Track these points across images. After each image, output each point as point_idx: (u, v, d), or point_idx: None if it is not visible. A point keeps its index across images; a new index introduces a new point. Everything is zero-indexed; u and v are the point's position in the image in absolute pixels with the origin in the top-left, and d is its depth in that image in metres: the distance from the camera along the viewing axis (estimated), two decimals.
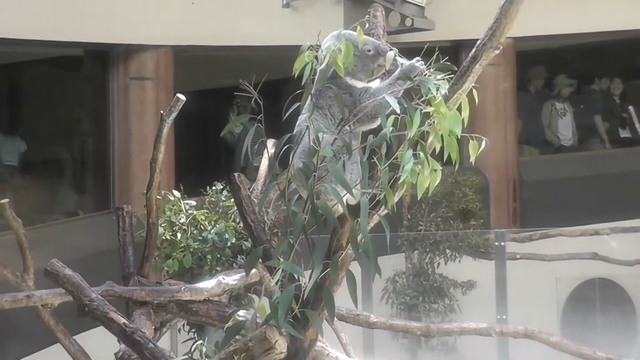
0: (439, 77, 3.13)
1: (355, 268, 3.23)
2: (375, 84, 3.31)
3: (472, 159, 3.10)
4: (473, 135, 3.11)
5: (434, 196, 9.58)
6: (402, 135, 3.07)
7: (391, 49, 3.34)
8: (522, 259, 9.94)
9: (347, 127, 3.18)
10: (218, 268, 5.11)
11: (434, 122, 3.05)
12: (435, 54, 3.20)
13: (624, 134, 12.61)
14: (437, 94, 3.07)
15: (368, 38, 3.34)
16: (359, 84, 3.26)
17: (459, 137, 3.08)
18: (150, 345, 3.37)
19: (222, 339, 3.36)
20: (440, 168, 3.08)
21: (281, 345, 3.16)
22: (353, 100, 3.21)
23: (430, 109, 3.05)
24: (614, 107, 12.94)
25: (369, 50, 3.27)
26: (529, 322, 6.77)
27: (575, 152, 12.58)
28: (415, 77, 3.16)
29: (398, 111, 3.04)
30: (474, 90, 3.13)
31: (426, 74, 3.16)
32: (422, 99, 3.09)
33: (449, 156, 3.07)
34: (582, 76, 12.93)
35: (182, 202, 5.29)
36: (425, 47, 3.22)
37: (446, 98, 3.08)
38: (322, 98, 3.23)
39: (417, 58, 3.24)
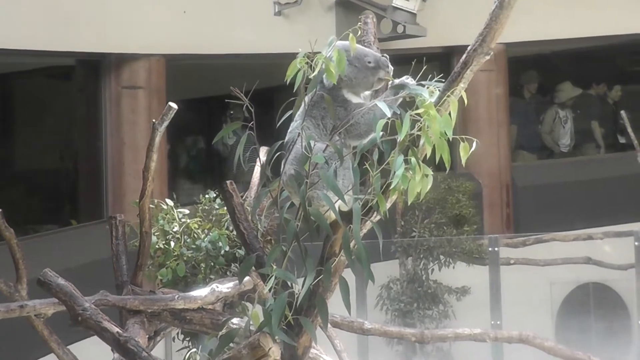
0: (430, 85, 3.14)
1: (349, 275, 3.24)
2: (368, 98, 3.32)
3: (464, 161, 3.10)
4: (464, 137, 3.11)
5: (427, 202, 9.61)
6: (393, 140, 3.07)
7: (383, 56, 3.34)
8: (516, 264, 9.95)
9: (337, 137, 3.18)
10: (212, 276, 5.11)
11: (424, 125, 3.05)
12: (424, 66, 3.21)
13: (622, 139, 12.62)
14: (430, 99, 3.07)
15: (369, 50, 3.33)
16: (355, 99, 3.26)
17: (450, 139, 3.08)
18: (144, 354, 3.36)
19: (216, 347, 3.36)
20: (432, 173, 3.08)
21: (275, 352, 3.16)
22: (346, 115, 3.21)
23: (419, 111, 3.05)
24: (609, 112, 12.96)
25: (370, 62, 3.27)
26: (523, 327, 6.76)
27: (568, 157, 12.61)
28: (406, 90, 3.16)
29: (389, 115, 3.04)
30: (463, 93, 3.13)
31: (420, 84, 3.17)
32: (416, 111, 3.08)
33: (441, 162, 3.07)
34: (575, 81, 12.95)
35: (175, 210, 5.29)
36: (419, 55, 3.22)
37: (437, 102, 3.09)
38: (315, 108, 3.23)
39: (406, 76, 3.24)
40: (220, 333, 3.43)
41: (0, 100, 11.27)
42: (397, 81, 3.24)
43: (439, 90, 3.11)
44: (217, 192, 5.35)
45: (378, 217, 3.16)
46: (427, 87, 3.13)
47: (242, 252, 5.10)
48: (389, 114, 3.05)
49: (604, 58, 12.92)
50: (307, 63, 3.15)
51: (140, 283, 4.78)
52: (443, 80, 3.16)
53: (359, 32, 3.33)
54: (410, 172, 3.03)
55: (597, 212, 11.03)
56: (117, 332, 3.42)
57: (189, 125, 11.39)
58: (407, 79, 3.22)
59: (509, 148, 11.51)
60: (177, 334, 5.22)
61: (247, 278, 4.48)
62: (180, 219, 5.28)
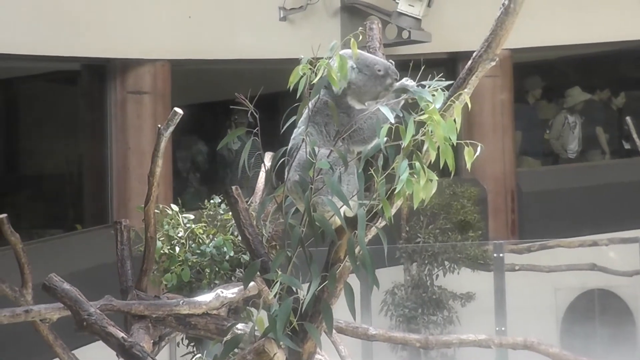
0: (432, 85, 3.14)
1: (354, 280, 3.23)
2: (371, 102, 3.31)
3: (468, 165, 3.10)
4: (468, 141, 3.11)
5: (432, 208, 9.60)
6: (397, 145, 3.07)
7: (389, 62, 3.34)
8: (521, 270, 9.93)
9: (340, 143, 3.18)
10: (216, 281, 5.10)
11: (428, 130, 3.04)
12: (422, 67, 3.21)
13: (627, 145, 12.60)
14: (433, 103, 3.07)
15: (379, 58, 3.32)
16: (358, 106, 3.25)
17: (455, 144, 3.07)
18: (149, 359, 3.37)
19: (221, 352, 3.36)
20: (437, 178, 3.08)
21: (279, 358, 3.16)
22: (349, 121, 3.21)
23: (424, 116, 3.05)
24: (614, 118, 12.95)
25: (379, 71, 3.25)
26: (528, 334, 6.75)
27: (573, 162, 12.59)
28: (409, 92, 3.16)
29: (392, 121, 3.04)
30: (467, 99, 3.12)
31: (421, 85, 3.16)
32: (420, 113, 3.08)
33: (446, 168, 3.07)
34: (580, 87, 12.93)
35: (180, 215, 5.29)
36: (424, 61, 3.21)
37: (441, 108, 3.08)
38: (318, 114, 3.22)
39: (406, 77, 3.24)
40: (225, 338, 3.43)
41: (6, 105, 11.30)
42: (397, 84, 3.24)
43: (442, 90, 3.11)
44: (222, 197, 5.35)
45: (383, 223, 3.16)
46: (428, 88, 3.13)
47: (246, 257, 5.10)
48: (391, 119, 3.04)
49: (610, 63, 12.91)
50: (310, 69, 3.15)
51: (145, 288, 4.78)
52: (444, 79, 3.16)
53: (361, 38, 3.31)
54: (415, 176, 3.03)
55: (603, 219, 11.01)
56: (122, 337, 3.42)
57: (194, 130, 11.39)
58: (407, 81, 3.22)
59: (514, 154, 11.49)
60: (182, 339, 5.23)
61: (251, 283, 4.47)
62: (185, 224, 5.27)
